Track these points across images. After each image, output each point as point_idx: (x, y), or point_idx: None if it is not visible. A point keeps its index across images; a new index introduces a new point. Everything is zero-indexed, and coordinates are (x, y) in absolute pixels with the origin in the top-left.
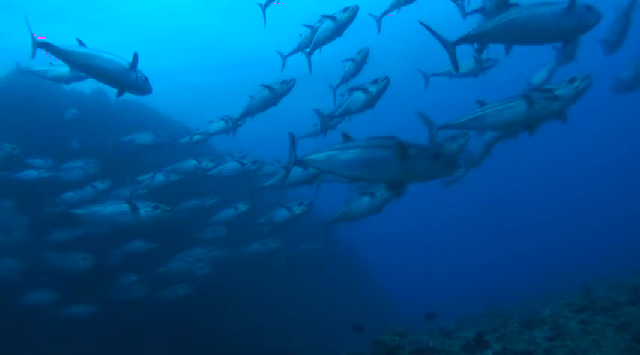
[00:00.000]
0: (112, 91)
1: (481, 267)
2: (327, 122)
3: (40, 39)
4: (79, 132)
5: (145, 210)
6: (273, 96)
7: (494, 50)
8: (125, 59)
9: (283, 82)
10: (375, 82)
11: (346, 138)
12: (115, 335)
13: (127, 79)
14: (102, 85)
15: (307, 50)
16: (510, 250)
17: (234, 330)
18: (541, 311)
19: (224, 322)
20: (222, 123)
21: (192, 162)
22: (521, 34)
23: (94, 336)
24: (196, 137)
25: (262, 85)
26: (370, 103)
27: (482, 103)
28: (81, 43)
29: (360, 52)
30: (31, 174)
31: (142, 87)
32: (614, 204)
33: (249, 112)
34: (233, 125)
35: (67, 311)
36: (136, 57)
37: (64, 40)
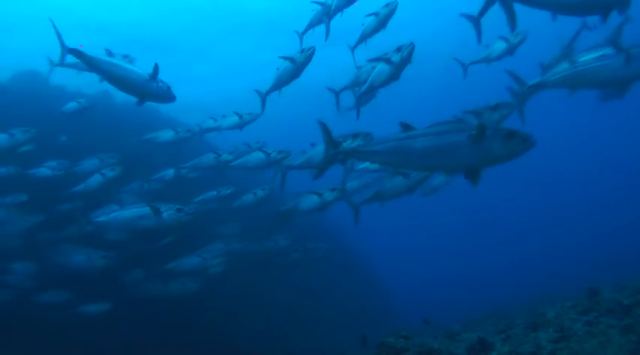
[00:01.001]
0: (118, 93)
1: (484, 270)
2: (338, 99)
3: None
4: (84, 130)
5: (167, 213)
6: (295, 67)
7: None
8: (146, 70)
9: (302, 50)
10: (399, 49)
11: (406, 127)
12: (118, 333)
13: (147, 89)
14: (107, 87)
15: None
16: (513, 253)
17: (239, 330)
18: (546, 313)
19: (230, 322)
20: (235, 118)
21: (212, 156)
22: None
23: (103, 334)
24: (209, 122)
25: (281, 57)
26: (395, 75)
27: (573, 61)
28: (109, 53)
29: (387, 5)
30: (45, 171)
31: (162, 95)
32: (619, 206)
33: (277, 86)
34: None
35: (80, 310)
36: (156, 67)
37: None
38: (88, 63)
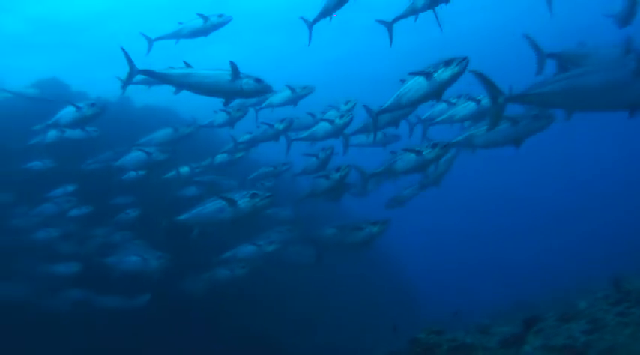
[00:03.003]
0: (137, 98)
1: (507, 261)
2: (375, 119)
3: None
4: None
5: (242, 201)
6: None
7: None
8: (226, 70)
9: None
10: (448, 63)
11: (563, 67)
12: (147, 328)
13: (233, 88)
14: (127, 93)
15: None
16: (540, 244)
17: (263, 326)
18: (577, 304)
19: (253, 318)
20: (288, 92)
21: (224, 155)
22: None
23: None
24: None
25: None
26: (436, 93)
27: None
28: (187, 65)
29: None
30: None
31: (253, 91)
32: None
33: (325, 14)
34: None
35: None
36: (234, 65)
37: None
38: (161, 80)
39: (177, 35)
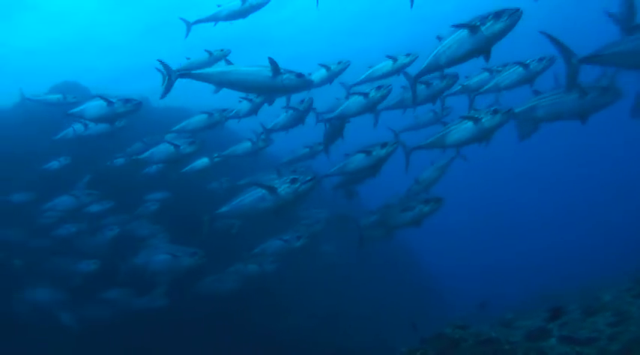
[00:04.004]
0: (155, 98)
1: (533, 256)
2: (413, 83)
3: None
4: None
5: (282, 187)
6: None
7: None
8: (266, 66)
9: None
10: (498, 15)
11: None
12: (169, 327)
13: (274, 84)
14: (145, 93)
15: None
16: (560, 238)
17: (285, 324)
18: (601, 297)
19: (275, 315)
20: (322, 71)
21: (247, 144)
22: None
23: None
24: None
25: None
26: (482, 50)
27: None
28: (228, 62)
29: None
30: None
31: (294, 86)
32: None
33: None
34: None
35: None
36: (273, 61)
37: None
38: (200, 79)
39: (215, 18)
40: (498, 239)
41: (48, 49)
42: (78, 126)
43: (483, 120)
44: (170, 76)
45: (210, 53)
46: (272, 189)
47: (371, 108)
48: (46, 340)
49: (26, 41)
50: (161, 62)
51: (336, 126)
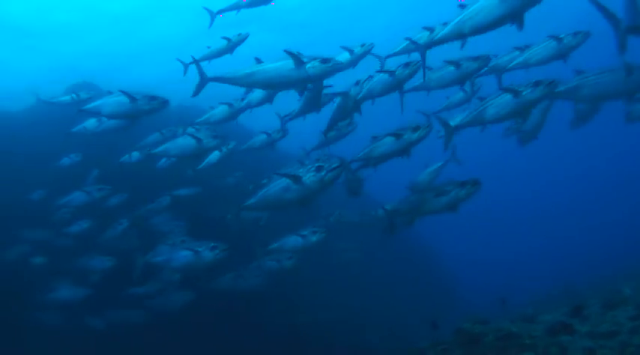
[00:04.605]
0: (172, 98)
1: (552, 250)
2: (423, 53)
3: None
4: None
5: (307, 176)
6: None
7: None
8: (288, 58)
9: None
10: None
11: None
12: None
13: (300, 76)
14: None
15: None
16: (581, 232)
17: (303, 322)
18: (621, 290)
19: (293, 314)
20: (346, 54)
21: (263, 137)
22: None
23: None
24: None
25: None
26: (514, 16)
27: None
28: (258, 61)
29: None
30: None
31: (321, 73)
32: None
33: None
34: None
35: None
36: (291, 53)
37: None
38: (229, 83)
39: (237, 6)
40: (515, 234)
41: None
42: (91, 122)
43: (524, 92)
44: (202, 80)
45: (228, 40)
46: (297, 179)
47: (397, 86)
48: (70, 341)
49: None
50: (197, 66)
51: (344, 106)
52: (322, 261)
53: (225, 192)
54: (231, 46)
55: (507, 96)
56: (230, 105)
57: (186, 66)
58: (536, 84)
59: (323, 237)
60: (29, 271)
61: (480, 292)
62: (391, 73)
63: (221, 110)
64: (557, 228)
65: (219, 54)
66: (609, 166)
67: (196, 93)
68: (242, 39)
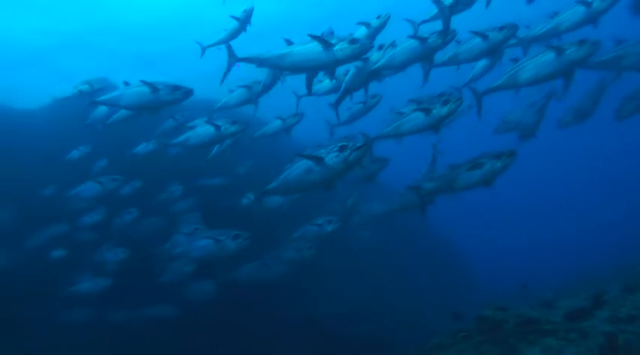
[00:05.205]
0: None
1: (570, 236)
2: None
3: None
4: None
5: (330, 156)
6: None
7: None
8: (316, 41)
9: None
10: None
11: None
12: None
13: (328, 59)
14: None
15: None
16: (599, 218)
17: (320, 312)
18: None
19: (310, 304)
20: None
21: (278, 122)
22: None
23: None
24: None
25: None
26: None
27: None
28: (288, 42)
29: None
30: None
31: (351, 54)
32: None
33: None
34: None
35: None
36: (319, 36)
37: None
38: (258, 64)
39: None
40: (535, 224)
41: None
42: (100, 112)
43: (568, 51)
44: (232, 59)
45: (236, 18)
46: (319, 160)
47: (426, 56)
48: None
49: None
50: (227, 47)
51: (361, 72)
52: (339, 249)
53: (236, 182)
54: (243, 22)
55: (549, 55)
56: (248, 87)
57: (203, 49)
58: (581, 42)
59: (339, 226)
60: (50, 266)
61: (499, 280)
62: (423, 39)
63: (239, 93)
64: (577, 218)
65: (235, 34)
66: (632, 155)
67: (227, 72)
68: (248, 14)
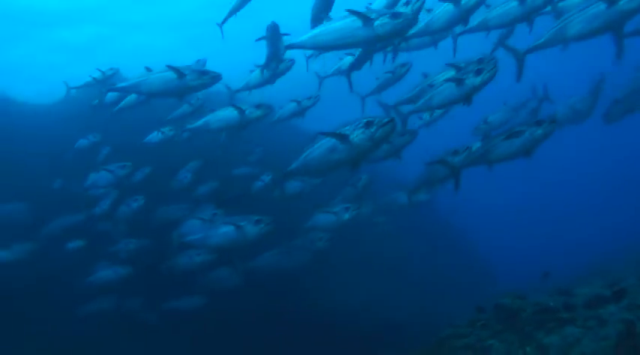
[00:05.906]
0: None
1: (584, 228)
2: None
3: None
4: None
5: (356, 133)
6: None
7: None
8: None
9: None
10: None
11: None
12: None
13: (368, 35)
14: None
15: None
16: (614, 210)
17: (334, 303)
18: None
19: (324, 295)
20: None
21: (293, 105)
22: None
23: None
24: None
25: None
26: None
27: None
28: (328, 19)
29: None
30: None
31: (392, 30)
32: None
33: None
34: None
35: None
36: (354, 11)
37: None
38: (300, 47)
39: None
40: (549, 220)
41: None
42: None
43: (621, 1)
44: (280, 47)
45: None
46: (343, 137)
47: (460, 20)
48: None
49: None
50: (272, 33)
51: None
52: (354, 237)
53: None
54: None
55: (600, 6)
56: (262, 69)
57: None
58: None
59: (356, 214)
60: (68, 257)
61: (516, 274)
62: (456, 1)
63: (255, 75)
64: (591, 217)
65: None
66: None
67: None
68: None
